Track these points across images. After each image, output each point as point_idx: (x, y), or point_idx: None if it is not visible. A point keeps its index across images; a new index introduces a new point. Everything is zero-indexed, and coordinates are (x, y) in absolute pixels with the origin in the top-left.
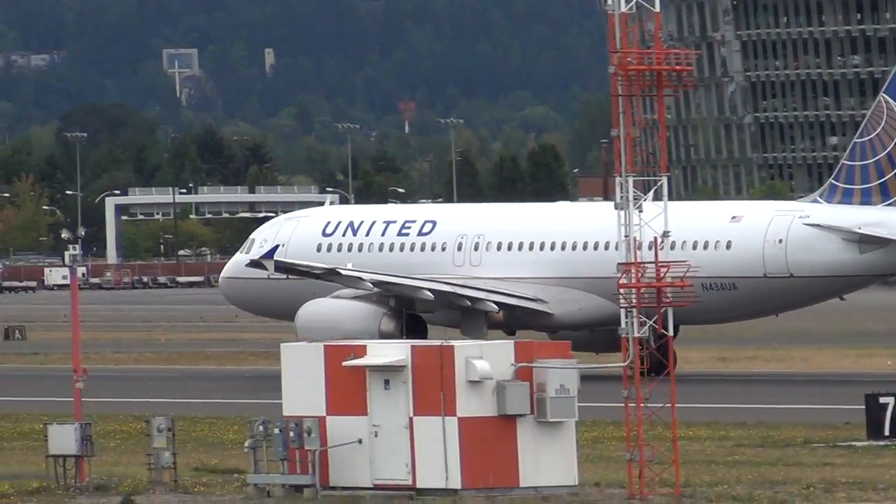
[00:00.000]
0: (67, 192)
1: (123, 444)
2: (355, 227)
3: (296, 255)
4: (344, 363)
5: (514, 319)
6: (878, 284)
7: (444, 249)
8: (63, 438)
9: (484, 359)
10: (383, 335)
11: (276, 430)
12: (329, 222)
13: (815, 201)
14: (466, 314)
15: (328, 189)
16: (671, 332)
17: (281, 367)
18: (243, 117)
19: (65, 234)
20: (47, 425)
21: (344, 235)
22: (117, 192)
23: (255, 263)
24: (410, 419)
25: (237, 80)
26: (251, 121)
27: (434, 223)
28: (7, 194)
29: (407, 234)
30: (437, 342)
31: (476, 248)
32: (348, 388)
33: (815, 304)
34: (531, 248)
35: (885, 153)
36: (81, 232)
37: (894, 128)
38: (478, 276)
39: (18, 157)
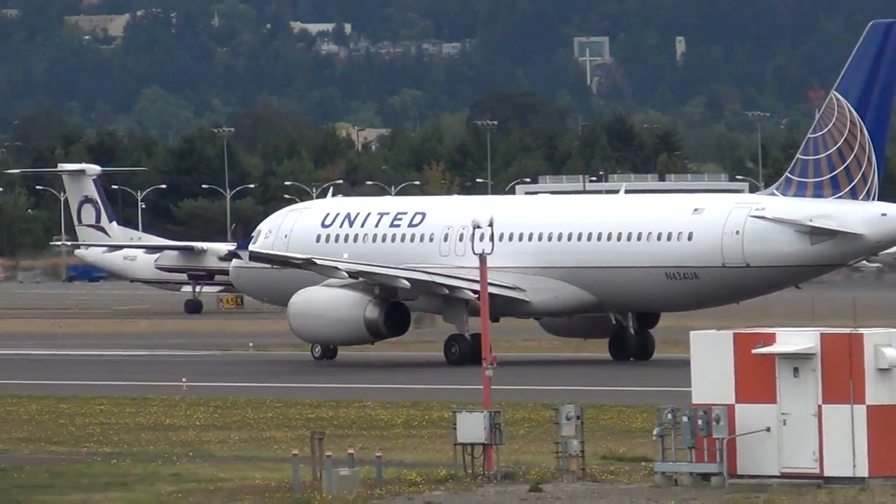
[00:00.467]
0: (478, 179)
1: (531, 432)
2: (352, 218)
3: (297, 244)
4: (753, 351)
5: (495, 307)
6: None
7: (431, 240)
8: (472, 426)
9: (894, 346)
10: (367, 322)
11: (685, 419)
12: (328, 214)
13: (773, 194)
14: (448, 302)
15: (738, 177)
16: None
17: (690, 354)
18: (653, 105)
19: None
20: (456, 413)
21: (341, 227)
22: (527, 179)
23: (231, 255)
24: (819, 407)
25: (648, 69)
26: (661, 109)
27: (424, 215)
28: (418, 182)
29: (398, 226)
30: (847, 330)
31: (461, 239)
32: (757, 375)
33: (771, 293)
34: (510, 238)
35: (835, 148)
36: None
37: (844, 124)
38: (462, 265)
39: (429, 144)
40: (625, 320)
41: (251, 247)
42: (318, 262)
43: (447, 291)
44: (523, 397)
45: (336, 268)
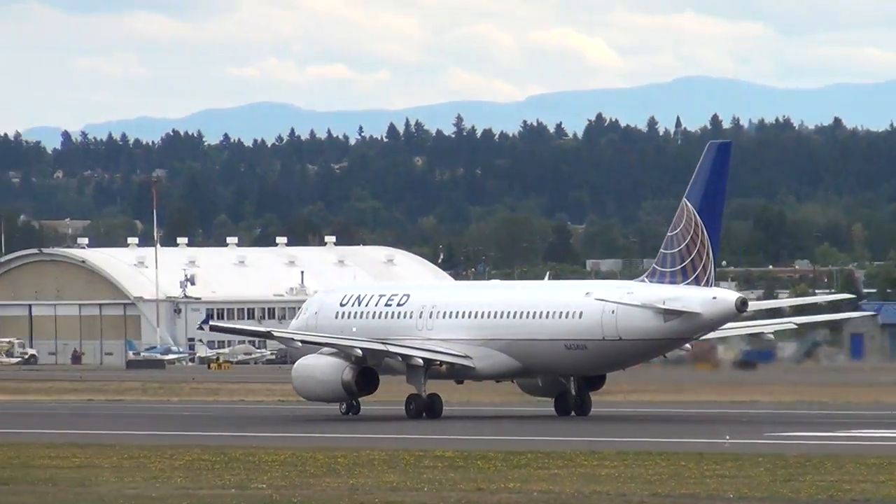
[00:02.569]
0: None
1: None
2: (360, 299)
3: (322, 321)
4: None
5: (453, 371)
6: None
7: (410, 317)
8: None
9: None
10: (343, 383)
11: None
12: (345, 296)
13: (643, 280)
14: (409, 367)
15: None
16: None
17: None
18: None
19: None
20: None
21: (352, 306)
22: None
23: (204, 327)
24: None
25: None
26: None
27: (408, 296)
28: None
29: (390, 305)
30: None
31: (431, 316)
32: None
33: (642, 362)
34: (463, 315)
35: (684, 244)
36: None
37: (689, 225)
38: (430, 337)
39: None
40: (567, 383)
41: (294, 321)
42: (276, 333)
43: (400, 359)
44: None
45: (292, 339)
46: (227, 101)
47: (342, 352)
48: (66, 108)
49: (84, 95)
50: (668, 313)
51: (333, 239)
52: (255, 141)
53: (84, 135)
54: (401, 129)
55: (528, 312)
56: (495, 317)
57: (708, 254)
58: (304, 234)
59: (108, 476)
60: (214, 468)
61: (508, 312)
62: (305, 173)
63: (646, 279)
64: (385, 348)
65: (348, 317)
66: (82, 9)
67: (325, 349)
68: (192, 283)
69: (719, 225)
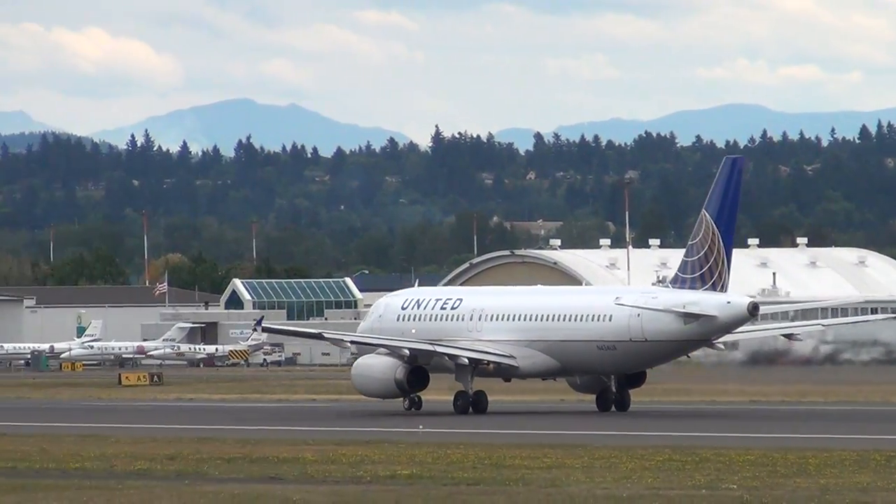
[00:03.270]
0: None
1: None
2: (420, 302)
3: (386, 323)
4: None
5: (500, 370)
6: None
7: (462, 319)
8: None
9: None
10: (397, 381)
11: None
12: (407, 299)
13: (666, 286)
14: (457, 366)
15: None
16: None
17: None
18: None
19: None
20: None
21: (413, 309)
22: None
23: (258, 326)
24: None
25: None
26: None
27: (461, 300)
28: None
29: (445, 309)
30: None
31: (480, 319)
32: None
33: (667, 361)
34: (508, 318)
35: (702, 253)
36: None
37: (707, 235)
38: (479, 339)
39: None
40: (608, 381)
41: (363, 323)
42: (326, 335)
43: (447, 358)
44: None
45: (342, 339)
46: (698, 103)
47: (394, 352)
48: (538, 109)
49: (555, 97)
50: (688, 316)
51: (805, 241)
52: (727, 142)
53: (556, 136)
54: (872, 130)
55: (565, 316)
56: (536, 320)
57: (723, 261)
58: (775, 236)
59: (579, 476)
60: (685, 468)
61: (548, 316)
62: (777, 175)
63: (669, 285)
64: (433, 348)
65: (408, 319)
66: (552, 10)
67: (381, 349)
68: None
69: (732, 234)
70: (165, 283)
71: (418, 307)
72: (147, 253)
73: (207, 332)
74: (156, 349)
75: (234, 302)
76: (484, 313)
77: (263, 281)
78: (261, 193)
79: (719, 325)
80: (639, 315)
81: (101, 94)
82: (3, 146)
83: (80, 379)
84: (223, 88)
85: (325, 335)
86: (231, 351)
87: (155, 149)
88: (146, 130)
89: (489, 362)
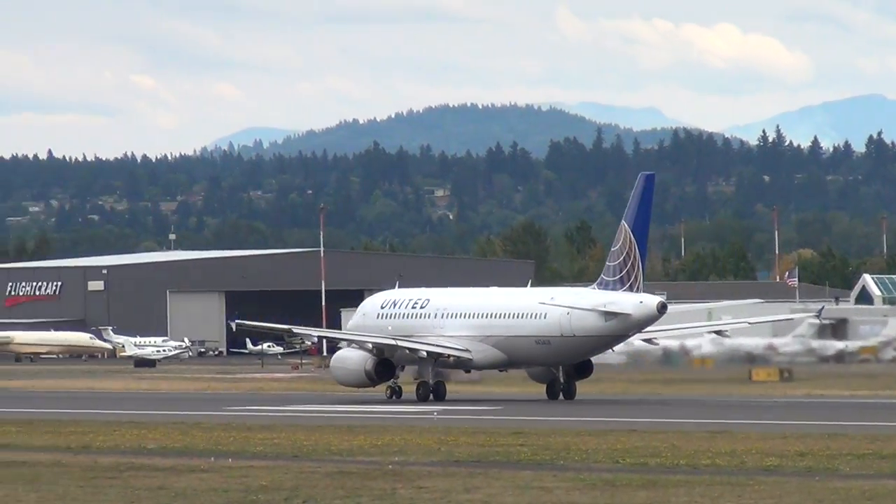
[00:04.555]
0: None
1: None
2: (395, 302)
3: (369, 321)
4: None
5: (459, 363)
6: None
7: (429, 317)
8: None
9: None
10: (366, 372)
11: None
12: (385, 300)
13: (593, 288)
14: (419, 359)
15: None
16: None
17: None
18: None
19: None
20: None
21: (389, 308)
22: None
23: (237, 325)
24: None
25: None
26: None
27: (429, 300)
28: None
29: (415, 308)
30: None
31: (444, 317)
32: None
33: (595, 354)
34: (465, 316)
35: (621, 259)
36: None
37: (626, 244)
38: (442, 334)
39: None
40: (556, 371)
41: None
42: (295, 330)
43: (408, 352)
44: None
45: (310, 334)
46: None
47: (361, 346)
48: None
49: None
50: (608, 315)
51: None
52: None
53: None
54: None
55: (510, 314)
56: (487, 317)
57: (637, 266)
58: None
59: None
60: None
61: (496, 314)
62: None
63: (596, 287)
64: (395, 343)
65: (386, 318)
66: None
67: (356, 343)
68: None
69: (645, 241)
70: (796, 279)
71: (394, 307)
72: (777, 248)
73: (838, 328)
74: (785, 345)
75: (864, 297)
76: (447, 311)
77: (894, 276)
78: (891, 189)
79: (633, 323)
80: (568, 313)
81: (731, 90)
82: (634, 141)
83: (708, 375)
84: (853, 84)
85: (295, 330)
86: (861, 347)
87: (786, 144)
88: (777, 126)
89: (449, 355)
